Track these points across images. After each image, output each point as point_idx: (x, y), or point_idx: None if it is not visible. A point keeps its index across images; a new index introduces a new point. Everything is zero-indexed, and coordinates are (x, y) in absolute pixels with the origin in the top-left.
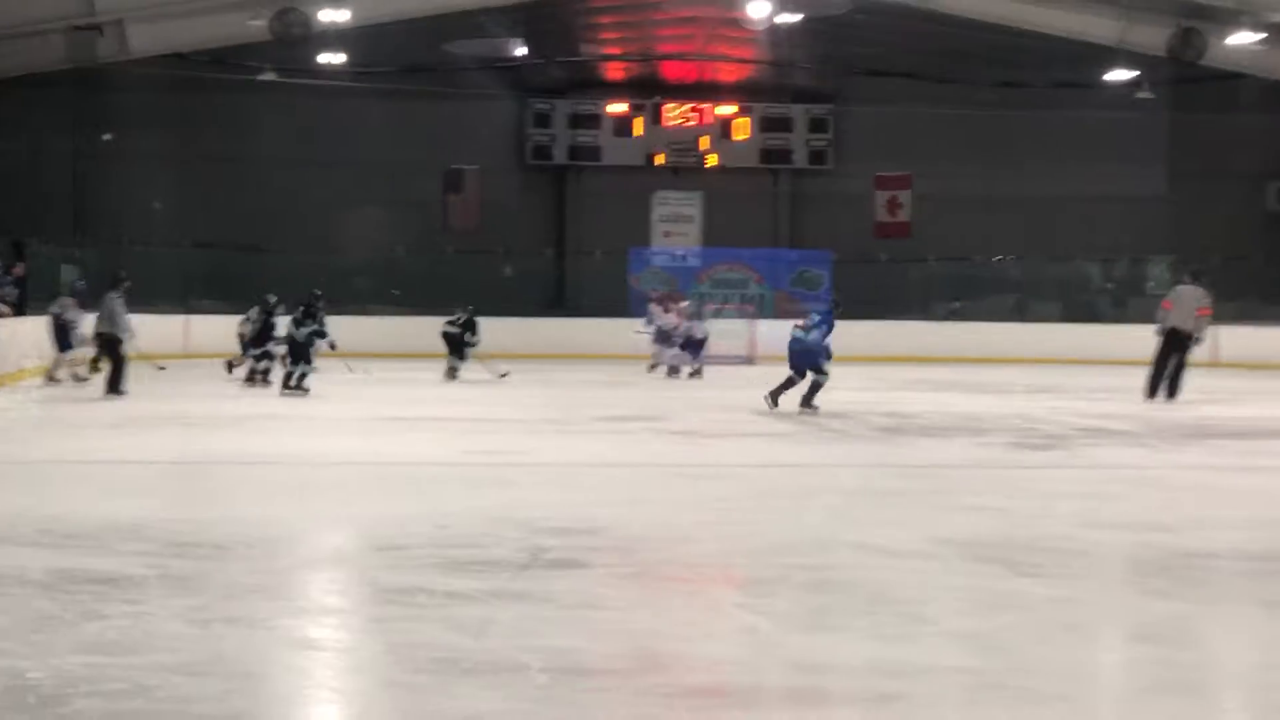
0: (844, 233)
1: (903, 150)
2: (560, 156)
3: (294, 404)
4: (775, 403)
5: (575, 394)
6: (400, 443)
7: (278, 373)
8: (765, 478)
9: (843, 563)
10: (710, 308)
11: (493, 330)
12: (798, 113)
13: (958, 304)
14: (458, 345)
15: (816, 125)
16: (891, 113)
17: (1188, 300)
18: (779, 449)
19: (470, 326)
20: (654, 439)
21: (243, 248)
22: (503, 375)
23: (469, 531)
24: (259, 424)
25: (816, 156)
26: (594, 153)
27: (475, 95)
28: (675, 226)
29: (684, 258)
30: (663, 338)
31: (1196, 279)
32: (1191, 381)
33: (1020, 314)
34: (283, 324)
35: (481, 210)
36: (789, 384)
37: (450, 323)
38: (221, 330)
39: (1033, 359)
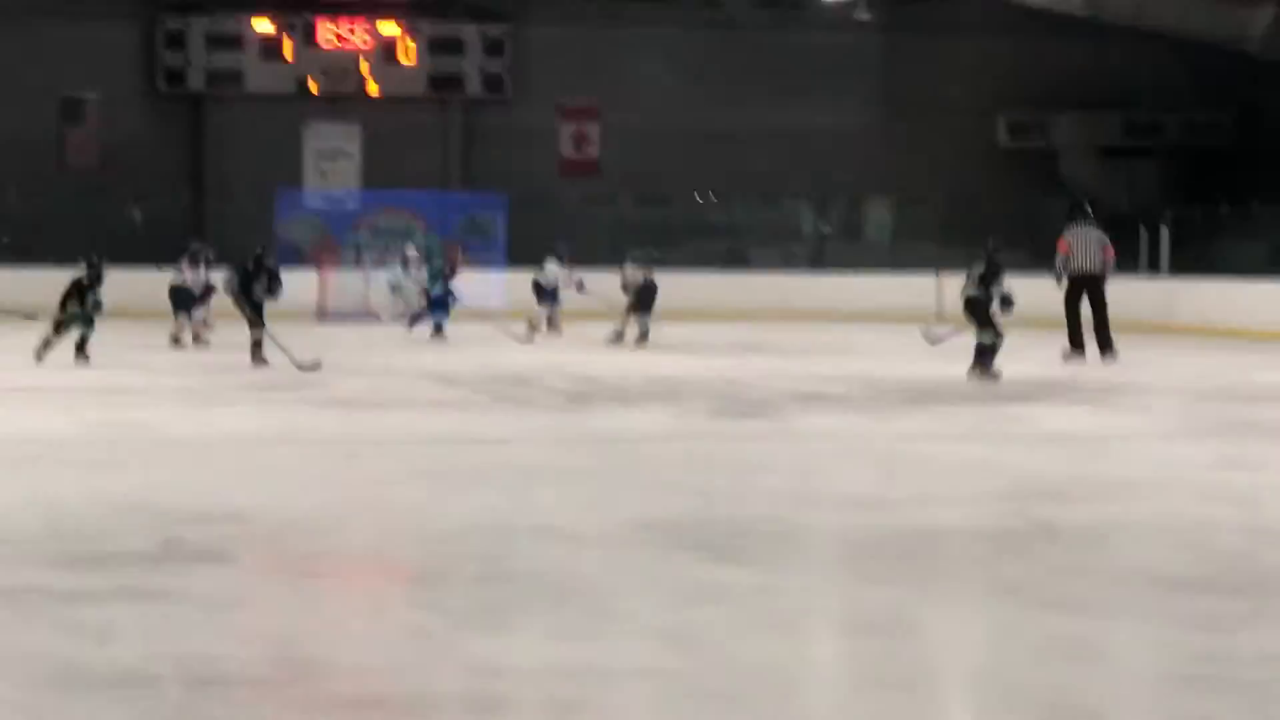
0: (525, 171)
1: (591, 77)
2: (197, 83)
3: None
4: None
5: (217, 358)
6: (2, 416)
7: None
8: (434, 454)
9: (523, 551)
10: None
11: (120, 284)
12: (470, 33)
13: (655, 252)
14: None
15: (492, 47)
16: (577, 34)
17: (1091, 240)
18: (449, 421)
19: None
20: (306, 410)
21: None
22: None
23: (90, 520)
24: None
25: (492, 83)
26: (236, 78)
27: (96, 14)
28: (332, 164)
29: (342, 201)
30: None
31: (1089, 217)
32: (913, 340)
33: (726, 263)
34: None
35: (104, 145)
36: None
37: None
38: None
39: (739, 313)
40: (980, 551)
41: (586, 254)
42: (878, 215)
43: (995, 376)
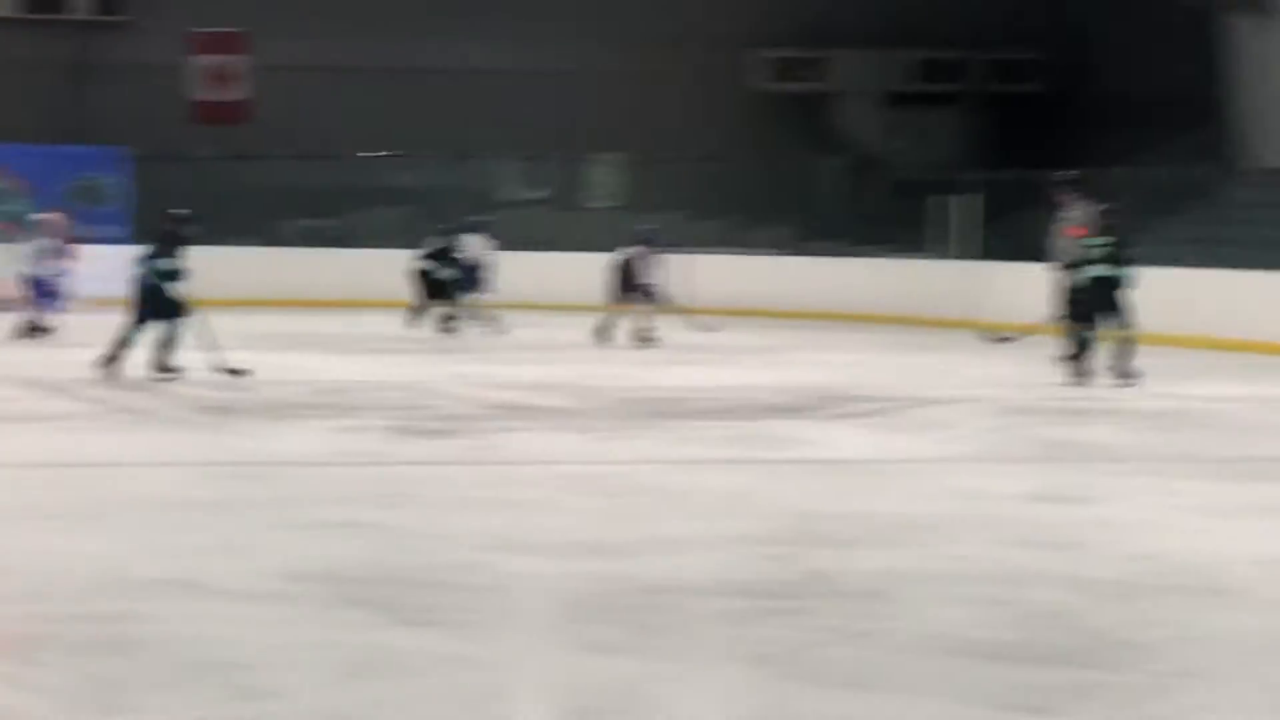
0: (151, 118)
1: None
2: None
3: None
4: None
5: None
6: None
7: None
8: (23, 485)
9: (147, 611)
10: None
11: None
12: None
13: (331, 224)
14: None
15: None
16: None
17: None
18: (55, 440)
19: None
20: None
21: None
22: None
23: None
24: None
25: (105, 3)
26: None
27: None
28: None
29: None
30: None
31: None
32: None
33: (414, 237)
34: None
35: None
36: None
37: None
38: None
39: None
40: (733, 610)
41: (231, 223)
42: (603, 178)
43: (1087, 376)
